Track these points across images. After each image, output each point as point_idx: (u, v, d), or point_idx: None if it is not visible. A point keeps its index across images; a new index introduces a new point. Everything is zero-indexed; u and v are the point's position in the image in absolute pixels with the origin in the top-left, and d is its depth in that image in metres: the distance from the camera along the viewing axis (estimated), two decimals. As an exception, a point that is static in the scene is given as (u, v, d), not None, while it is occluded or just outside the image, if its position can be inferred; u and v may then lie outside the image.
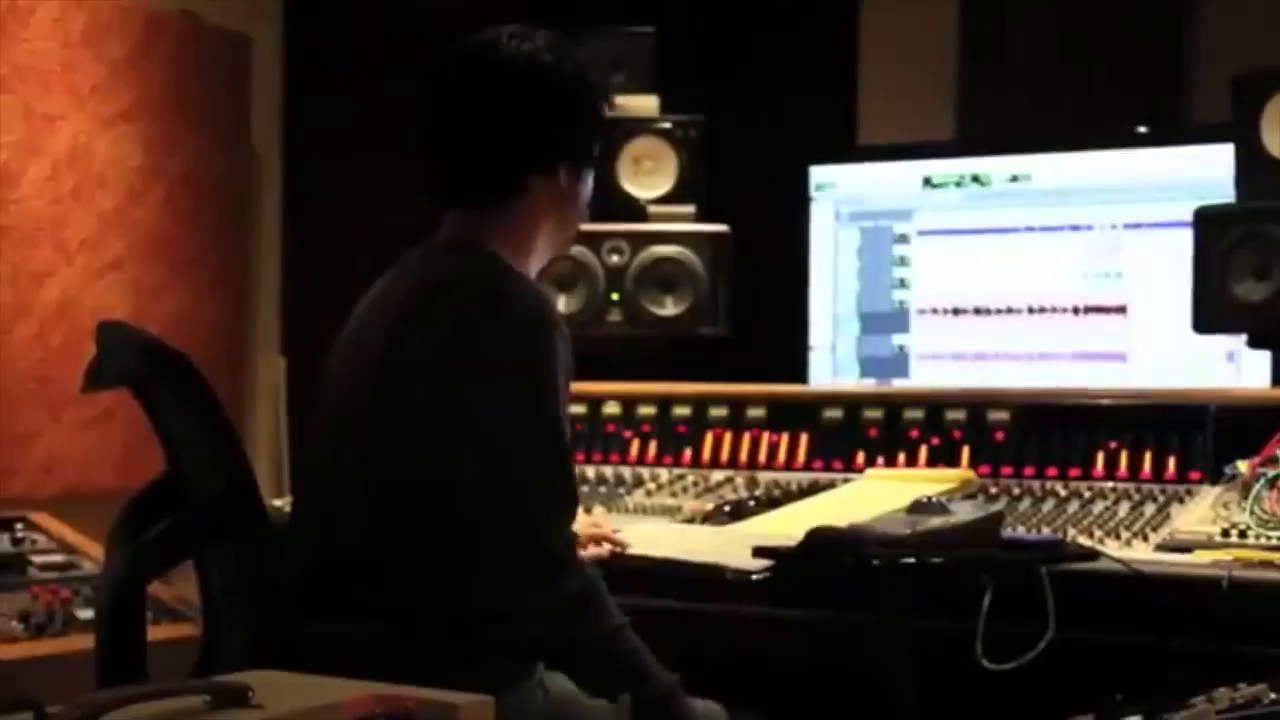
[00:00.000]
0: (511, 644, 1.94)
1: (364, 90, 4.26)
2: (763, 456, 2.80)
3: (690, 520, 2.56)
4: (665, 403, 2.91)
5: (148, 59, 3.99)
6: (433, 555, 1.93)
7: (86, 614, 2.86)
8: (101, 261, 3.86)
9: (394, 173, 3.12)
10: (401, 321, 2.00)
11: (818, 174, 3.32)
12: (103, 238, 3.86)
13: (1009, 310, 3.13)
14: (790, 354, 3.29)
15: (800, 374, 3.27)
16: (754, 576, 2.11)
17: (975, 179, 3.19)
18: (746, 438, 2.82)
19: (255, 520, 1.99)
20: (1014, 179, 3.15)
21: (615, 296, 3.35)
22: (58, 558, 3.14)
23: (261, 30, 4.46)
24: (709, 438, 2.85)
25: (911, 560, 2.01)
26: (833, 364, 3.28)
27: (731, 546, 2.20)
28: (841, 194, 3.30)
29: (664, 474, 2.84)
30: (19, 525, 3.23)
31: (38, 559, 3.11)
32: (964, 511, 2.11)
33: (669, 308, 3.37)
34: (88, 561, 3.15)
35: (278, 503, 2.64)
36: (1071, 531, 2.28)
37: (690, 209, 3.45)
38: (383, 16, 4.32)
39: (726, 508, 2.56)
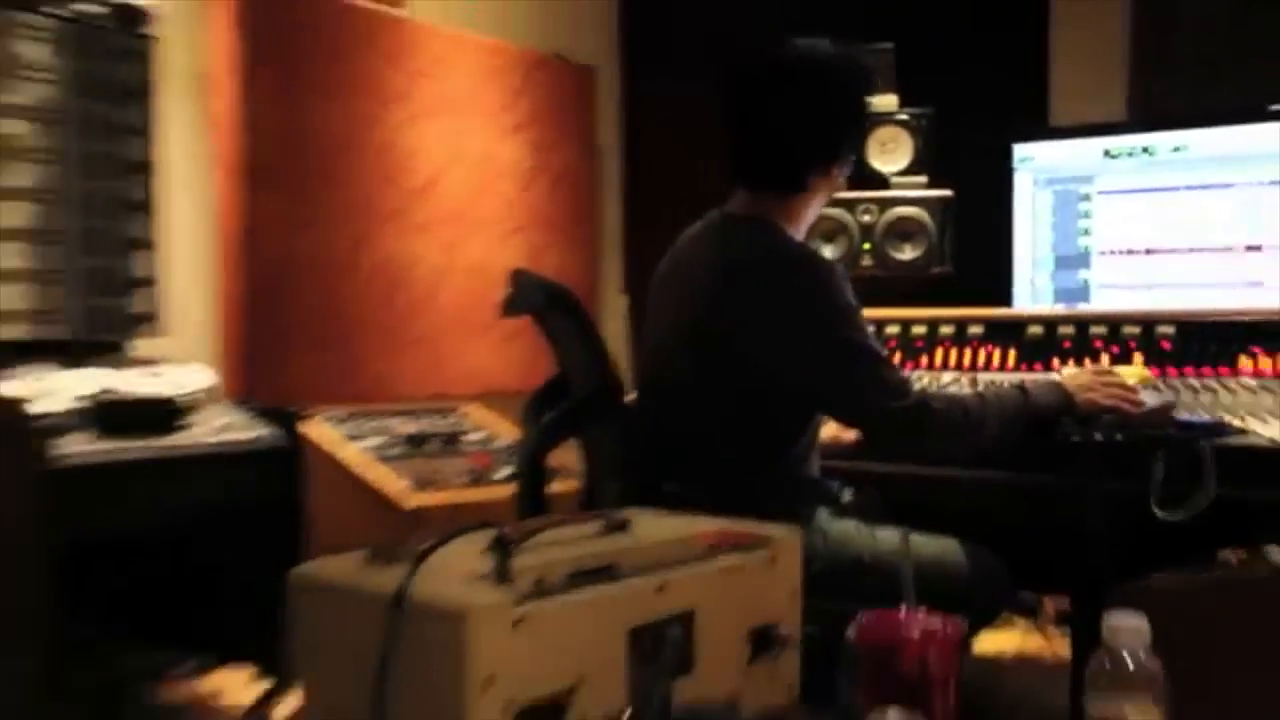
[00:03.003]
0: (800, 498, 1.96)
1: (683, 103, 4.29)
2: (981, 362, 2.73)
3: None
4: (906, 324, 2.85)
5: (531, 87, 4.11)
6: (742, 438, 1.94)
7: (501, 473, 3.02)
8: (505, 231, 4.01)
9: (716, 160, 3.12)
10: (714, 285, 1.94)
11: (1020, 150, 3.17)
12: (505, 215, 4.01)
13: (1172, 250, 2.95)
14: (1001, 286, 3.17)
15: (1008, 301, 3.16)
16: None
17: (1145, 150, 3.00)
18: (969, 349, 2.75)
19: (620, 410, 2.05)
20: (1176, 150, 2.95)
21: (867, 246, 3.30)
22: (481, 434, 3.31)
23: (605, 60, 4.54)
24: (940, 350, 2.79)
25: (1100, 437, 1.95)
26: (1032, 293, 3.15)
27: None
28: (1038, 165, 3.15)
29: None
30: (454, 413, 3.43)
31: (467, 436, 3.29)
32: (1145, 399, 2.02)
33: (908, 253, 3.31)
34: (499, 438, 3.31)
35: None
36: (1226, 416, 2.16)
37: (923, 179, 3.37)
38: (698, 43, 4.33)
39: (957, 398, 2.49)
